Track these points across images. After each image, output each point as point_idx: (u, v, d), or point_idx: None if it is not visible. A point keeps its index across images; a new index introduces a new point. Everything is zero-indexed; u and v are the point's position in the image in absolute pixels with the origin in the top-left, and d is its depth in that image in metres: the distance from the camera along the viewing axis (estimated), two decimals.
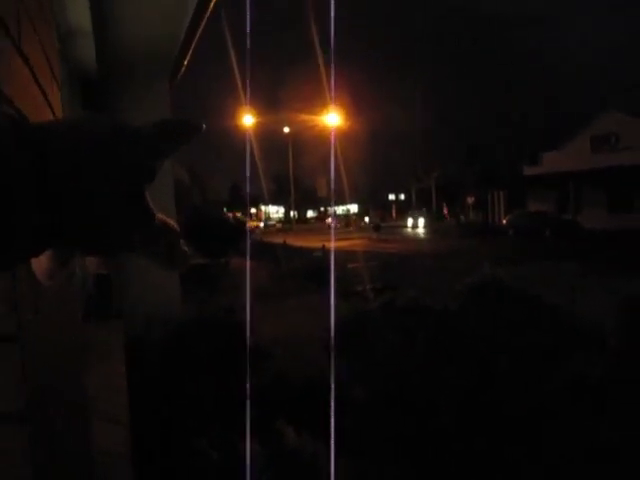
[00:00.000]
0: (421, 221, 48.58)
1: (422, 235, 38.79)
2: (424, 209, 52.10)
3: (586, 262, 14.79)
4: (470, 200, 50.39)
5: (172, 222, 0.50)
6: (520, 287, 8.18)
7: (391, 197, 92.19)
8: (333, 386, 2.96)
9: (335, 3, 2.15)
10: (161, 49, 5.85)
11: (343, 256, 17.92)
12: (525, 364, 6.18)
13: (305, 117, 49.26)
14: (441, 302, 7.35)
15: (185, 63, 6.53)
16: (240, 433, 3.49)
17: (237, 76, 6.37)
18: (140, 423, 3.32)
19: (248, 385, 2.70)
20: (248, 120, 19.60)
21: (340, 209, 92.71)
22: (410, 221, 49.73)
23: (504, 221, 36.51)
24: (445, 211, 56.63)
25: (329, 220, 69.19)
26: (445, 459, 4.42)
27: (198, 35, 5.52)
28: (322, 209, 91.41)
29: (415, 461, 4.47)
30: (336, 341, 5.67)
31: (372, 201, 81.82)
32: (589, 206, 36.21)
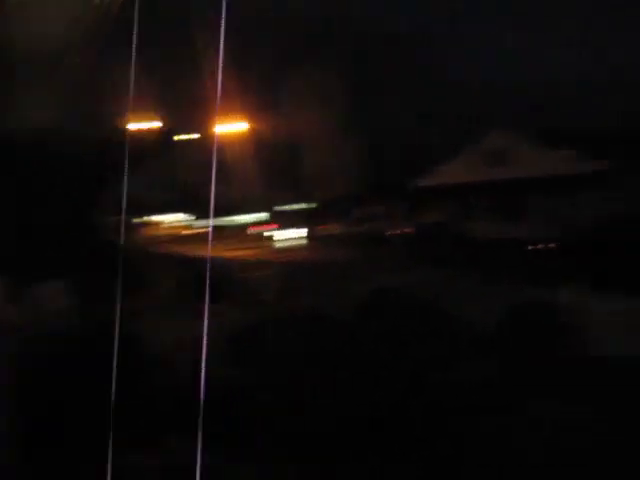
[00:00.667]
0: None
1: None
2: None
3: (484, 272, 15.19)
4: (369, 208, 51.00)
5: None
6: (417, 294, 8.15)
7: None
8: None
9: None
10: None
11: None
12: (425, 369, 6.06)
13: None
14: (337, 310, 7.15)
15: None
16: None
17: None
18: None
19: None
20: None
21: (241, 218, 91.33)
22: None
23: (401, 231, 37.36)
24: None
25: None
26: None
27: None
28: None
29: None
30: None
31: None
32: (483, 218, 37.84)
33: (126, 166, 6.44)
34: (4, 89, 14.62)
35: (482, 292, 9.62)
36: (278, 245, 38.66)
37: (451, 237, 30.82)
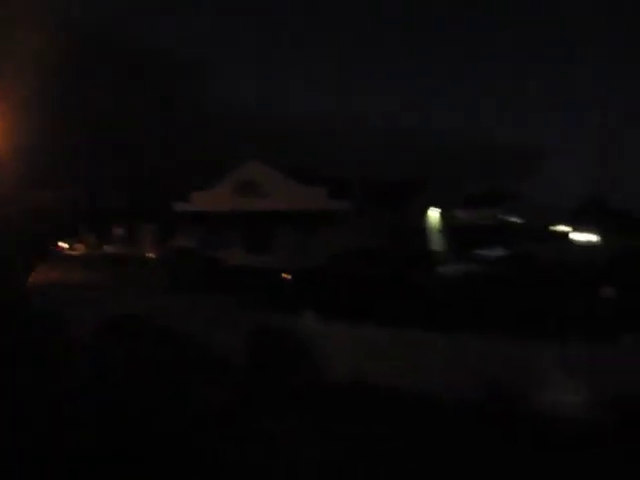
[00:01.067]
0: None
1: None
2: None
3: (225, 297, 15.49)
4: (118, 231, 49.16)
5: None
6: (159, 320, 7.97)
7: None
8: None
9: None
10: None
11: None
12: (154, 396, 5.90)
13: None
14: (78, 334, 6.71)
15: None
16: None
17: None
18: None
19: None
20: None
21: None
22: None
23: (151, 255, 36.51)
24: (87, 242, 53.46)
25: None
26: None
27: None
28: None
29: None
30: None
31: None
32: (231, 245, 38.95)
33: None
34: None
35: (224, 316, 9.78)
36: None
37: (200, 261, 31.03)
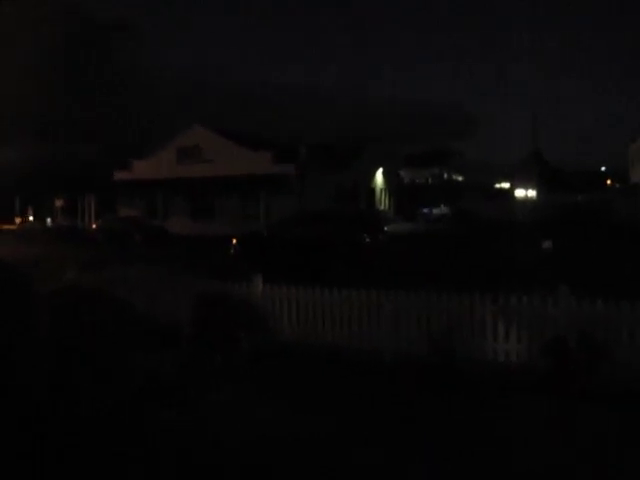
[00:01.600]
0: None
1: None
2: None
3: (171, 265, 15.34)
4: (59, 203, 47.61)
5: None
6: (103, 290, 7.84)
7: None
8: None
9: None
10: None
11: None
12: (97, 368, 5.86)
13: None
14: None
15: None
16: None
17: None
18: None
19: None
20: None
21: None
22: None
23: (94, 225, 35.56)
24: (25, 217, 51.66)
25: None
26: None
27: None
28: None
29: None
30: None
31: None
32: (175, 213, 38.35)
33: None
34: None
35: (170, 285, 9.72)
36: None
37: (145, 230, 30.45)
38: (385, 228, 23.59)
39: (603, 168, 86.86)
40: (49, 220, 48.19)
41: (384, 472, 4.49)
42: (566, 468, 4.53)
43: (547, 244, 20.43)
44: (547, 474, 4.44)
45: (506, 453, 4.79)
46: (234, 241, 18.22)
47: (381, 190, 49.19)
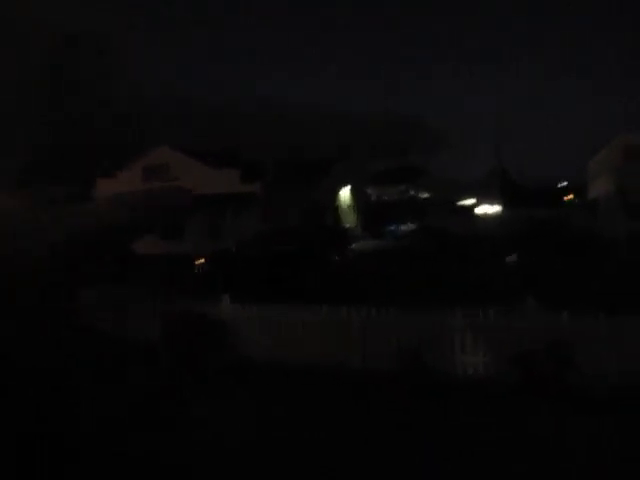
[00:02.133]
0: None
1: None
2: None
3: (141, 285, 15.26)
4: None
5: None
6: (69, 315, 7.80)
7: None
8: None
9: None
10: None
11: None
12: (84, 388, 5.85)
13: None
14: None
15: None
16: None
17: None
18: None
19: None
20: None
21: None
22: None
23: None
24: None
25: None
26: None
27: None
28: None
29: None
30: None
31: None
32: (145, 232, 37.86)
33: None
34: None
35: (139, 306, 9.69)
36: None
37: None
38: (352, 245, 23.82)
39: (565, 183, 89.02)
40: None
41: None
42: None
43: (511, 258, 20.91)
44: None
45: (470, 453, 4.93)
46: (200, 261, 18.20)
47: (348, 207, 49.50)
